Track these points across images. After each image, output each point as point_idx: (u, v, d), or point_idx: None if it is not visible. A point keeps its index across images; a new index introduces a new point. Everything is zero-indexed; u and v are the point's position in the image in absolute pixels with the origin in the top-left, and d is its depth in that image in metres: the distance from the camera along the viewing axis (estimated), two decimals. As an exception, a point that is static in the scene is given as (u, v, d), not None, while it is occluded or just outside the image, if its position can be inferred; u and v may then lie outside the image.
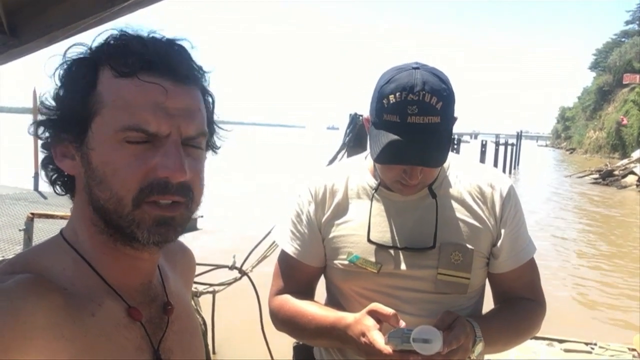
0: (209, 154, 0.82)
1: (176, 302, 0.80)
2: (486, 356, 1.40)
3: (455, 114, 1.21)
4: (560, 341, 4.37)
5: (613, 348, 4.30)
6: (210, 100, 0.78)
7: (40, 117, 0.72)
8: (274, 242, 2.88)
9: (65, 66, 0.69)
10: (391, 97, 1.14)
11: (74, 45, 0.70)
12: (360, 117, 3.04)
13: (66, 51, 0.70)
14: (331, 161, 3.08)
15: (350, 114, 3.24)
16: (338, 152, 3.26)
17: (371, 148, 1.20)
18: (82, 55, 0.69)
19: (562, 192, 20.46)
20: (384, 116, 1.16)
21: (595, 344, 4.32)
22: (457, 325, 1.10)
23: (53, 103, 0.70)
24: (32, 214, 3.32)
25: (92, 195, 0.68)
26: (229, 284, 4.06)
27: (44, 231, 5.57)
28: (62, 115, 0.69)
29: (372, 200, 1.29)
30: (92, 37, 0.70)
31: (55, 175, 0.73)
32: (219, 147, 0.83)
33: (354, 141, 3.17)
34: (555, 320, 5.18)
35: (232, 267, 4.04)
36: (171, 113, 0.67)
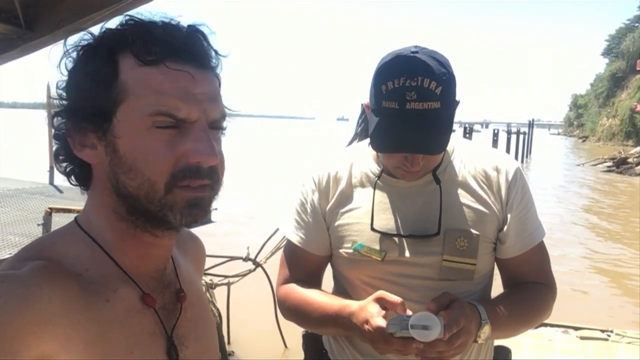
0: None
1: (189, 289, 0.81)
2: (499, 342, 1.39)
3: (458, 98, 1.18)
4: (576, 328, 4.36)
5: (630, 335, 4.28)
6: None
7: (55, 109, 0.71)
8: (285, 233, 2.90)
9: (76, 55, 0.69)
10: (389, 83, 1.11)
11: (85, 34, 0.70)
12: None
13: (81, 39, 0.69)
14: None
15: (362, 104, 3.23)
16: (351, 142, 3.27)
17: (370, 136, 1.19)
18: (91, 42, 0.69)
19: (574, 180, 20.26)
20: (382, 103, 1.14)
21: (612, 331, 4.30)
22: (455, 308, 1.07)
23: (69, 93, 0.69)
24: (50, 208, 3.33)
25: (118, 183, 0.68)
26: (244, 275, 4.10)
27: (62, 225, 5.63)
28: (82, 105, 0.68)
29: (374, 188, 1.28)
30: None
31: (71, 167, 0.73)
32: (225, 128, 0.81)
33: (366, 130, 3.16)
34: (570, 307, 5.16)
35: (246, 259, 4.08)
36: (199, 98, 0.68)
